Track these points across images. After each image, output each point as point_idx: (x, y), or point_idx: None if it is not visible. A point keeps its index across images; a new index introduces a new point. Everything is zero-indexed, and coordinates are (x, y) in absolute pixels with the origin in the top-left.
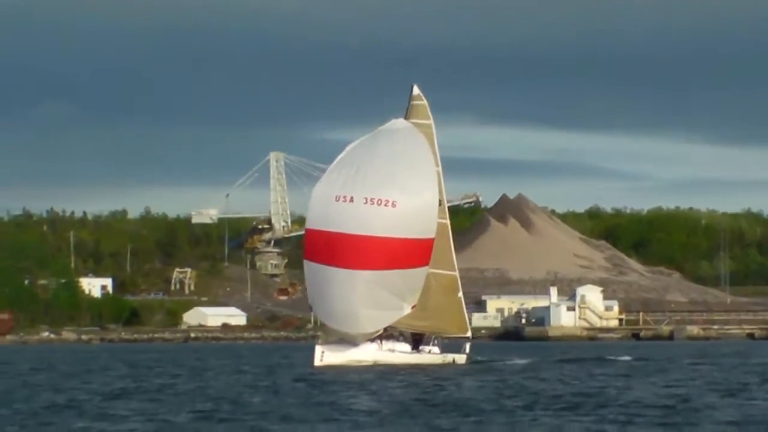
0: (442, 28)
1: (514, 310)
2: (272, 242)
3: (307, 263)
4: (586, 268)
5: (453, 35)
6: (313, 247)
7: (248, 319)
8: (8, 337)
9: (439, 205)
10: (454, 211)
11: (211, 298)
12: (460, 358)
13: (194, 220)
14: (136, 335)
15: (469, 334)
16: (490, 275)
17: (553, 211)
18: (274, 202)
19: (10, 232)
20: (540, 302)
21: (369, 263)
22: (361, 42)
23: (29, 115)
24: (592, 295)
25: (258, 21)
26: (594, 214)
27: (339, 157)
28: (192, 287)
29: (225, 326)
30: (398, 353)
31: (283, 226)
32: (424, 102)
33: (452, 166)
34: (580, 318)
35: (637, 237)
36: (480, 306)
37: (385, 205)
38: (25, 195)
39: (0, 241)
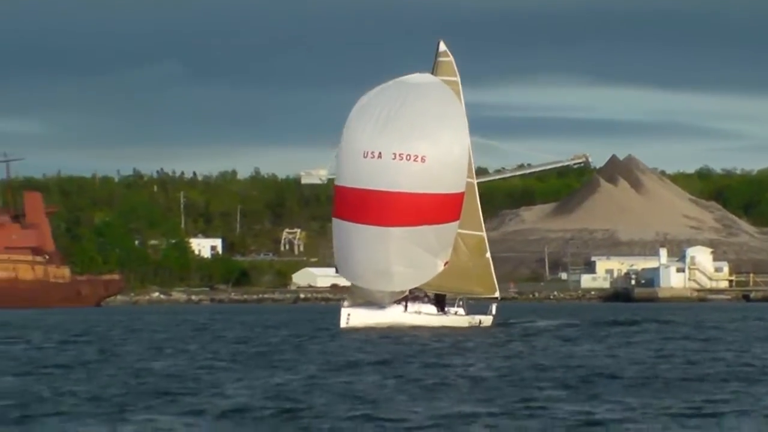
0: None
1: (624, 271)
2: None
3: (336, 221)
4: (695, 229)
5: None
6: (343, 204)
7: None
8: (119, 298)
9: None
10: (564, 172)
11: (320, 259)
12: (487, 320)
13: (303, 181)
14: (245, 296)
15: (497, 294)
16: (599, 236)
17: (662, 172)
18: None
19: (120, 193)
20: (649, 263)
21: (400, 219)
22: (458, 3)
23: (140, 75)
24: (701, 256)
25: None
26: (704, 175)
27: (359, 105)
28: (301, 248)
29: (334, 287)
30: (425, 315)
31: None
32: (450, 59)
33: (561, 127)
34: (689, 279)
35: (747, 198)
36: (590, 267)
37: (414, 160)
38: (135, 155)
39: (111, 201)
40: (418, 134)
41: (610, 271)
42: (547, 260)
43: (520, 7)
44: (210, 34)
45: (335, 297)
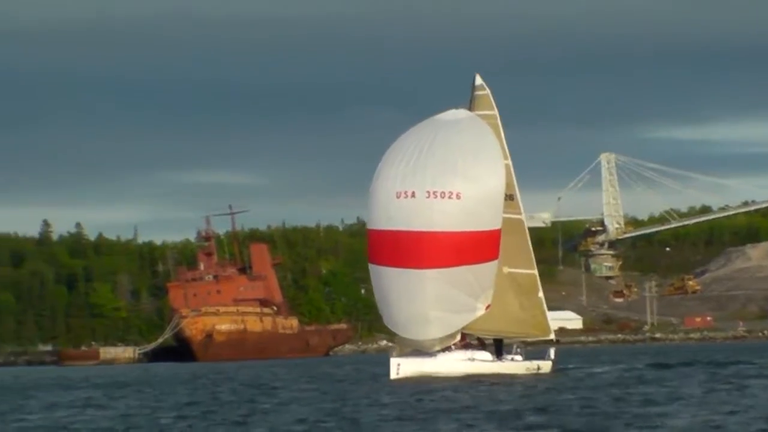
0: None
1: None
2: (606, 244)
3: (372, 267)
4: None
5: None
6: (376, 248)
7: (584, 323)
8: (347, 347)
9: (512, 199)
10: None
11: (546, 302)
12: (546, 366)
13: (527, 224)
14: None
15: (552, 336)
16: None
17: None
18: (607, 204)
19: (345, 242)
20: None
21: (436, 261)
22: (679, 40)
23: (359, 123)
24: None
25: (584, 21)
26: None
27: (391, 149)
28: None
29: (561, 330)
30: (479, 362)
31: (617, 228)
32: (487, 92)
33: None
34: None
35: None
36: None
37: (449, 197)
38: (359, 204)
39: (336, 251)
40: (452, 171)
41: None
42: None
43: (737, 42)
44: (420, 80)
45: (563, 340)
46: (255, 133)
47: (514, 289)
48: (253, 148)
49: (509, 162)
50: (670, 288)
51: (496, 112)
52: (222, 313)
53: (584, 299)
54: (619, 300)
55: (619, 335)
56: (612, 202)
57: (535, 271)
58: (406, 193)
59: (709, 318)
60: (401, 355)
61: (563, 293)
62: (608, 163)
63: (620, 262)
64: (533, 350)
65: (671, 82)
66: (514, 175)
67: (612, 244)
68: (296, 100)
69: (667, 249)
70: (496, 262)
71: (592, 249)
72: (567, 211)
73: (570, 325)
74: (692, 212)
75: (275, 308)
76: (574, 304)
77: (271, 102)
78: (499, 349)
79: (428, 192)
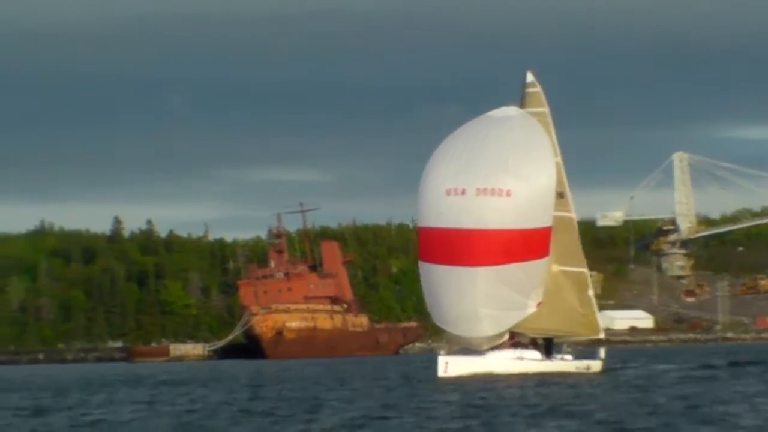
0: None
1: None
2: (678, 243)
3: (422, 265)
4: None
5: None
6: (427, 245)
7: (655, 322)
8: (417, 345)
9: (562, 197)
10: None
11: (617, 301)
12: (595, 365)
13: (599, 223)
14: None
15: (601, 335)
16: None
17: None
18: (679, 203)
19: (416, 241)
20: None
21: (486, 258)
22: (753, 39)
23: (427, 119)
24: None
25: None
26: None
27: (441, 146)
28: (598, 290)
29: (632, 329)
30: (528, 361)
31: (689, 227)
32: (539, 89)
33: None
34: None
35: None
36: None
37: (500, 194)
38: (410, 202)
39: (407, 249)
40: (503, 168)
41: None
42: None
43: None
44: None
45: (634, 339)
46: (325, 132)
47: (564, 287)
48: (323, 146)
49: (560, 160)
50: (742, 287)
51: (546, 109)
52: (292, 310)
53: (655, 298)
54: (691, 299)
55: (691, 335)
56: (684, 201)
57: (586, 269)
58: (456, 190)
59: None
60: (450, 353)
61: (634, 292)
62: (681, 162)
63: (692, 262)
64: (585, 349)
65: (744, 82)
66: (564, 173)
67: (684, 244)
68: (363, 99)
69: (740, 248)
70: (546, 259)
71: (664, 248)
72: (639, 209)
73: (641, 324)
74: (765, 212)
75: (345, 306)
76: (646, 303)
77: (339, 101)
78: (548, 348)
79: (478, 189)
